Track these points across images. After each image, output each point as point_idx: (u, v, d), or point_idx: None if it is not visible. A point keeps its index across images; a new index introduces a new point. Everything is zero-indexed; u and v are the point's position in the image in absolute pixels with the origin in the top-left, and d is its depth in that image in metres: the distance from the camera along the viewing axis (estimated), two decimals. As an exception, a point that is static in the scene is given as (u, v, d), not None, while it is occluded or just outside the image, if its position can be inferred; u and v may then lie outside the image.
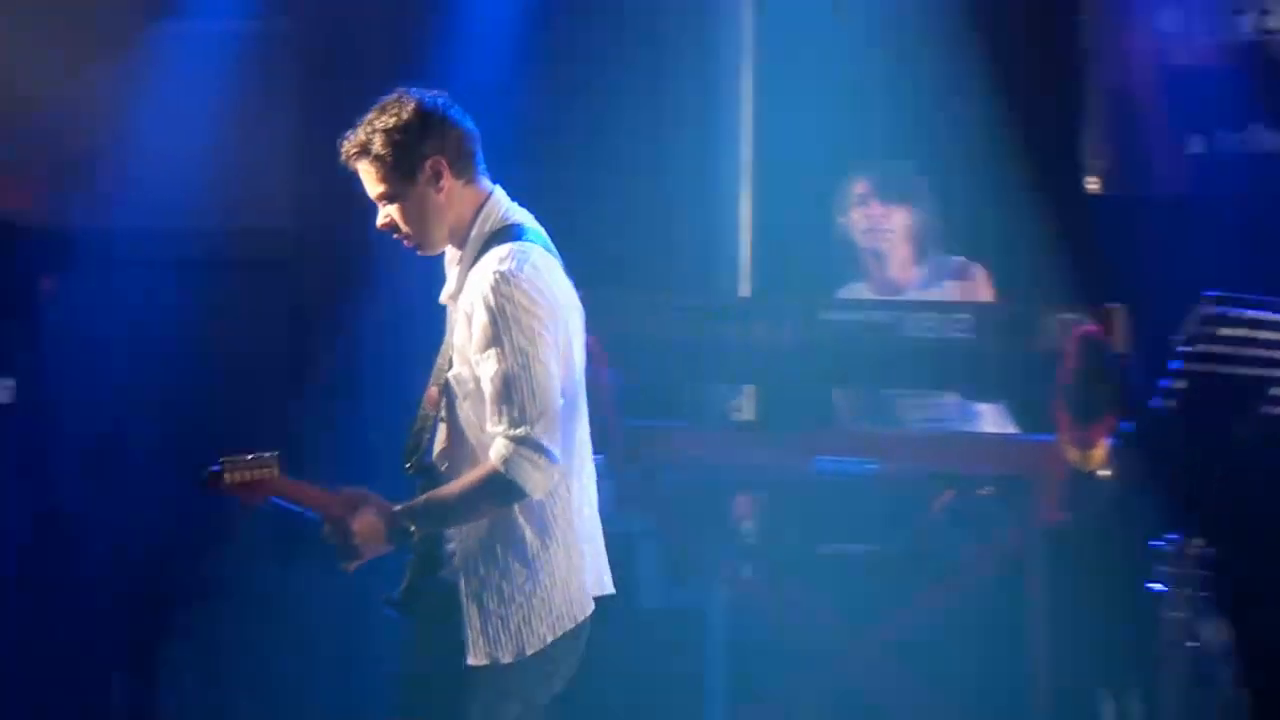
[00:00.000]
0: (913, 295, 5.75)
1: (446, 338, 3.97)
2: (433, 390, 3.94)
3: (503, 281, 3.79)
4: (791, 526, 5.67)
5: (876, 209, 5.80)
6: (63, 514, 6.13)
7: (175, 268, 6.66)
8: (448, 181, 3.91)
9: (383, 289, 6.64)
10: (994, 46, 6.26)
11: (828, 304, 5.50)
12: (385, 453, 6.38)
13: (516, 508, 3.84)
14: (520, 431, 3.74)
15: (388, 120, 3.88)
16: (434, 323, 6.45)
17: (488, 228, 3.94)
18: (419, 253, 3.99)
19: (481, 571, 3.86)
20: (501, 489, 3.77)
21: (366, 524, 3.78)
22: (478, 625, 3.84)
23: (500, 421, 3.76)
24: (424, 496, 3.86)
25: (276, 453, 3.75)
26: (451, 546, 3.90)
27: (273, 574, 6.72)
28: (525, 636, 3.86)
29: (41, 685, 6.06)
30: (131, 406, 6.43)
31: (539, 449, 3.75)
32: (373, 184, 3.91)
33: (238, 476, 3.70)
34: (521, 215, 4.02)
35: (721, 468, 5.44)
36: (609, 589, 4.08)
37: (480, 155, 4.00)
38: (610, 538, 5.49)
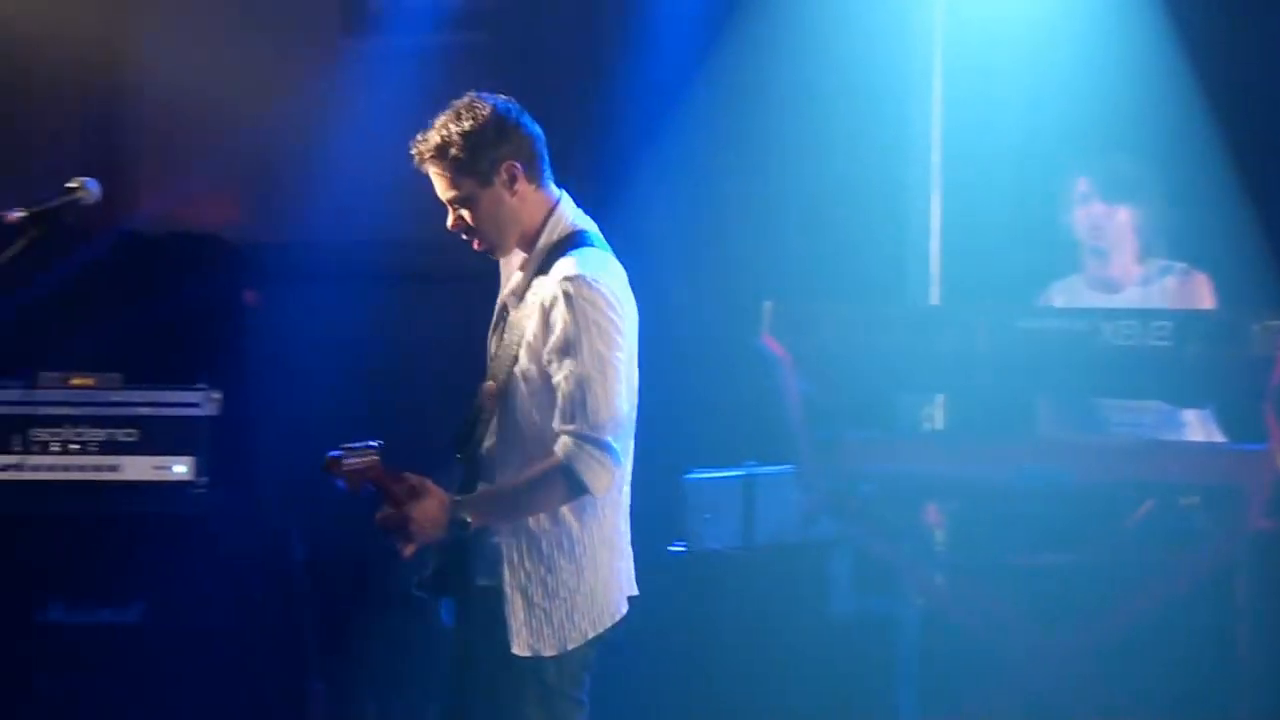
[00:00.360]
0: (1133, 292, 5.69)
1: (506, 335, 4.02)
2: (490, 384, 4.00)
3: (585, 286, 3.89)
4: (984, 536, 5.63)
5: (1098, 208, 5.74)
6: (266, 525, 6.27)
7: (373, 281, 6.80)
8: (521, 185, 4.00)
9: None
10: (1210, 44, 6.17)
11: (1021, 311, 5.45)
12: None
13: (568, 505, 3.95)
14: (592, 432, 3.86)
15: (465, 123, 3.98)
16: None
17: (558, 233, 4.03)
18: (490, 255, 4.08)
19: (528, 565, 3.96)
20: (566, 486, 3.87)
21: (426, 512, 3.87)
22: (522, 618, 3.95)
23: (571, 421, 3.87)
24: (483, 489, 3.97)
25: (380, 443, 3.90)
26: (496, 540, 3.97)
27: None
28: (568, 631, 3.97)
29: (241, 695, 6.19)
30: (331, 418, 6.57)
31: (607, 450, 3.87)
32: (447, 186, 4.00)
33: (350, 463, 3.88)
34: (587, 222, 4.13)
35: (913, 477, 5.42)
36: (635, 590, 4.15)
37: (548, 161, 4.09)
38: (801, 548, 5.54)
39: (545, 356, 3.92)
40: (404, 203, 6.97)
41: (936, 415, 6.06)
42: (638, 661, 6.02)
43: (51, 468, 6.09)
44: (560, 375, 3.89)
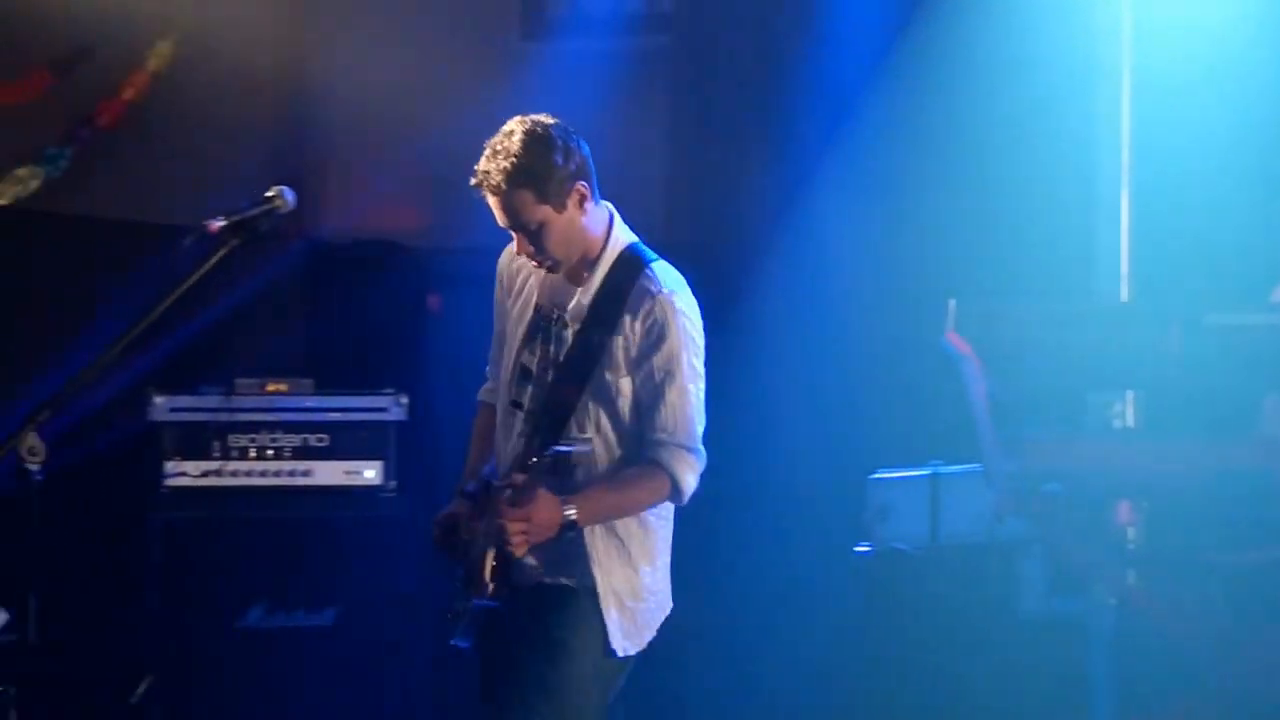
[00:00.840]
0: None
1: (573, 345, 4.09)
2: (570, 389, 4.08)
3: (684, 302, 4.08)
4: (1177, 533, 5.54)
5: None
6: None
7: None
8: (588, 204, 4.08)
9: (756, 304, 6.75)
10: None
11: (1213, 309, 5.36)
12: (748, 470, 6.58)
13: (654, 512, 4.13)
14: (689, 441, 4.08)
15: (535, 150, 4.00)
16: (808, 334, 6.54)
17: (621, 245, 4.15)
18: (550, 272, 4.12)
19: (619, 567, 4.10)
20: (665, 491, 4.07)
21: (542, 512, 3.95)
22: (615, 617, 4.09)
23: (672, 430, 4.06)
24: (586, 490, 4.04)
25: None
26: (576, 540, 4.06)
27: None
28: (645, 634, 4.16)
29: (428, 698, 6.30)
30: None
31: (701, 459, 4.11)
32: (521, 211, 4.02)
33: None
34: (632, 234, 4.23)
35: (1103, 475, 5.36)
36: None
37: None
38: (990, 548, 5.50)
39: (639, 366, 4.07)
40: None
41: (1127, 413, 5.98)
42: (822, 663, 6.04)
43: (249, 473, 6.23)
44: (660, 385, 4.06)
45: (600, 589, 4.10)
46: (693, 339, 4.10)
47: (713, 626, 6.59)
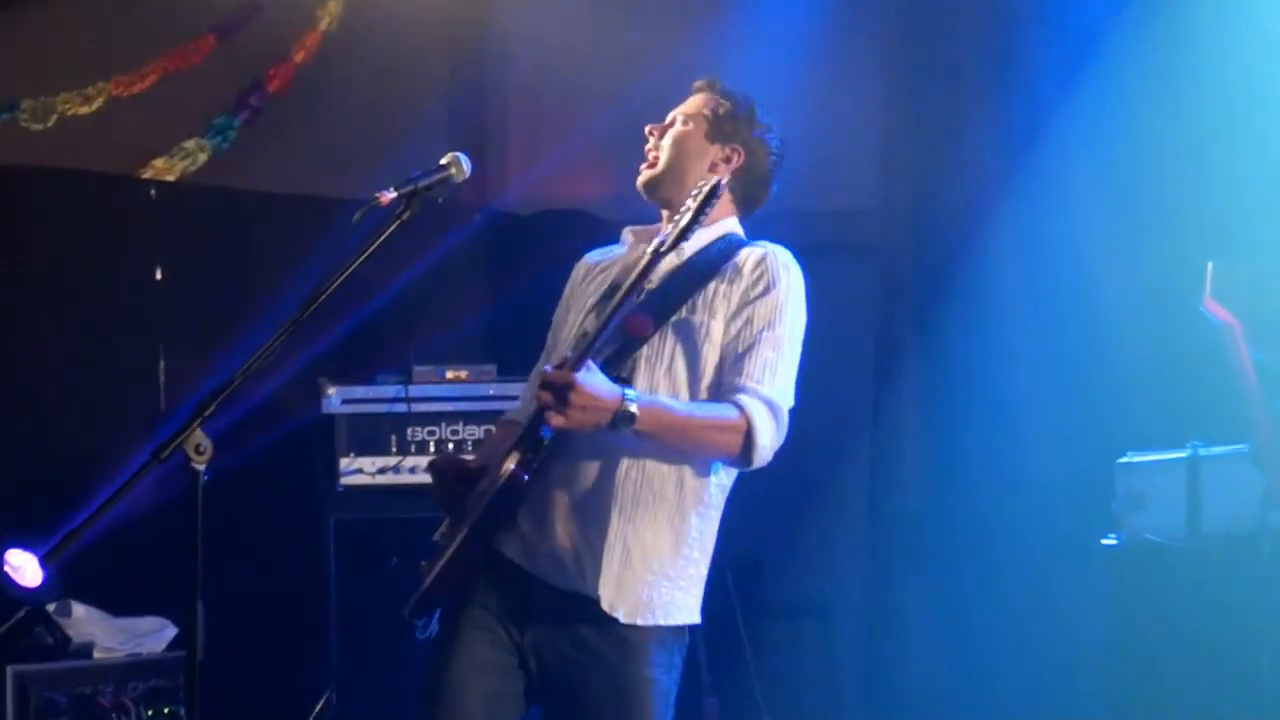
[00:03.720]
0: None
1: (662, 282, 4.00)
2: (644, 321, 3.95)
3: (792, 262, 4.04)
4: None
5: None
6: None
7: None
8: (728, 169, 4.14)
9: (984, 271, 6.62)
10: None
11: None
12: (976, 451, 6.48)
13: (709, 515, 3.98)
14: (778, 399, 3.89)
15: (743, 97, 4.21)
16: (1044, 302, 6.42)
17: (729, 229, 4.16)
18: (646, 172, 4.14)
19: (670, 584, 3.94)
20: (740, 443, 3.85)
21: (593, 384, 3.72)
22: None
23: (761, 381, 3.89)
24: (658, 398, 3.85)
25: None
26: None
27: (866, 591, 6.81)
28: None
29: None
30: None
31: (783, 426, 3.91)
32: (690, 106, 4.19)
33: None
34: None
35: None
36: None
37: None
38: (1258, 537, 5.30)
39: (738, 311, 3.98)
40: (796, 173, 7.03)
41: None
42: (1068, 665, 5.91)
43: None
44: (758, 334, 3.95)
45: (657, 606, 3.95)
46: (799, 302, 4.03)
47: (950, 625, 6.52)
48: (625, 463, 3.91)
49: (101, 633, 5.96)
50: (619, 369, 3.93)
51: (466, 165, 3.89)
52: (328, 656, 6.16)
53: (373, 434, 6.22)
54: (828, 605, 7.14)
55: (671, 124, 4.18)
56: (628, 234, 4.26)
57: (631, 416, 3.74)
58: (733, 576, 6.36)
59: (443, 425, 6.25)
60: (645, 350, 3.97)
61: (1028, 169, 6.54)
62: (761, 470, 3.94)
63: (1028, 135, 6.54)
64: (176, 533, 3.66)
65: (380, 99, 7.30)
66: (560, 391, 3.69)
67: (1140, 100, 6.23)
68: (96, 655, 5.88)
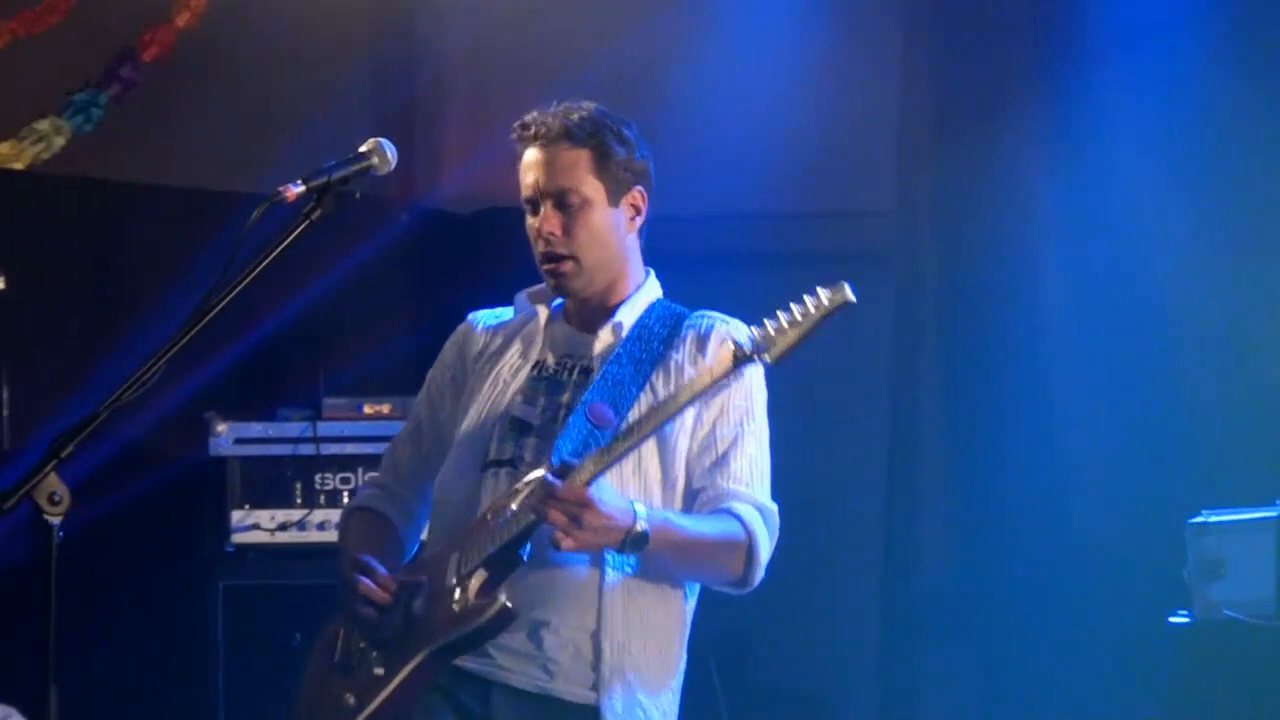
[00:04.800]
0: None
1: (585, 384, 4.09)
2: (605, 412, 4.04)
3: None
4: None
5: None
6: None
7: (738, 261, 6.84)
8: (638, 222, 4.21)
9: (1013, 289, 6.66)
10: None
11: None
12: (1013, 508, 6.49)
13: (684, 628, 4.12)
14: (770, 506, 4.07)
15: (609, 122, 4.16)
16: (1103, 336, 6.43)
17: (655, 295, 4.25)
18: (559, 284, 4.16)
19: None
20: (740, 557, 4.01)
21: (611, 505, 3.84)
22: None
23: (749, 485, 4.06)
24: (665, 513, 3.97)
25: None
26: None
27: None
28: None
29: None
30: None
31: (774, 536, 4.08)
32: (571, 173, 4.12)
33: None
34: None
35: None
36: None
37: None
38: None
39: (708, 403, 4.07)
40: (771, 171, 7.05)
41: None
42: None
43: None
44: (739, 428, 4.10)
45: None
46: (762, 395, 4.17)
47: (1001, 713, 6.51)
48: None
49: (-72, 726, 5.92)
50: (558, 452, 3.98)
51: (391, 154, 3.87)
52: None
53: (273, 482, 6.21)
54: (830, 696, 7.16)
55: (557, 204, 4.13)
56: (522, 298, 4.30)
57: (644, 538, 3.88)
58: (716, 661, 6.36)
59: (359, 471, 6.22)
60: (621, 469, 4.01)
61: (1076, 165, 6.63)
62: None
63: (1076, 124, 6.61)
64: (24, 600, 3.62)
65: (285, 72, 7.33)
66: (574, 511, 3.80)
67: (1227, 76, 6.26)
68: (-79, 756, 5.83)
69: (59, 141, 7.04)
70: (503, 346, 4.26)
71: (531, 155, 4.14)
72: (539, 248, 4.12)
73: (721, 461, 4.07)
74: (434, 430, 4.32)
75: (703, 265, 6.70)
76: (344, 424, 6.28)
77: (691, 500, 4.08)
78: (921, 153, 7.12)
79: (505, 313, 4.35)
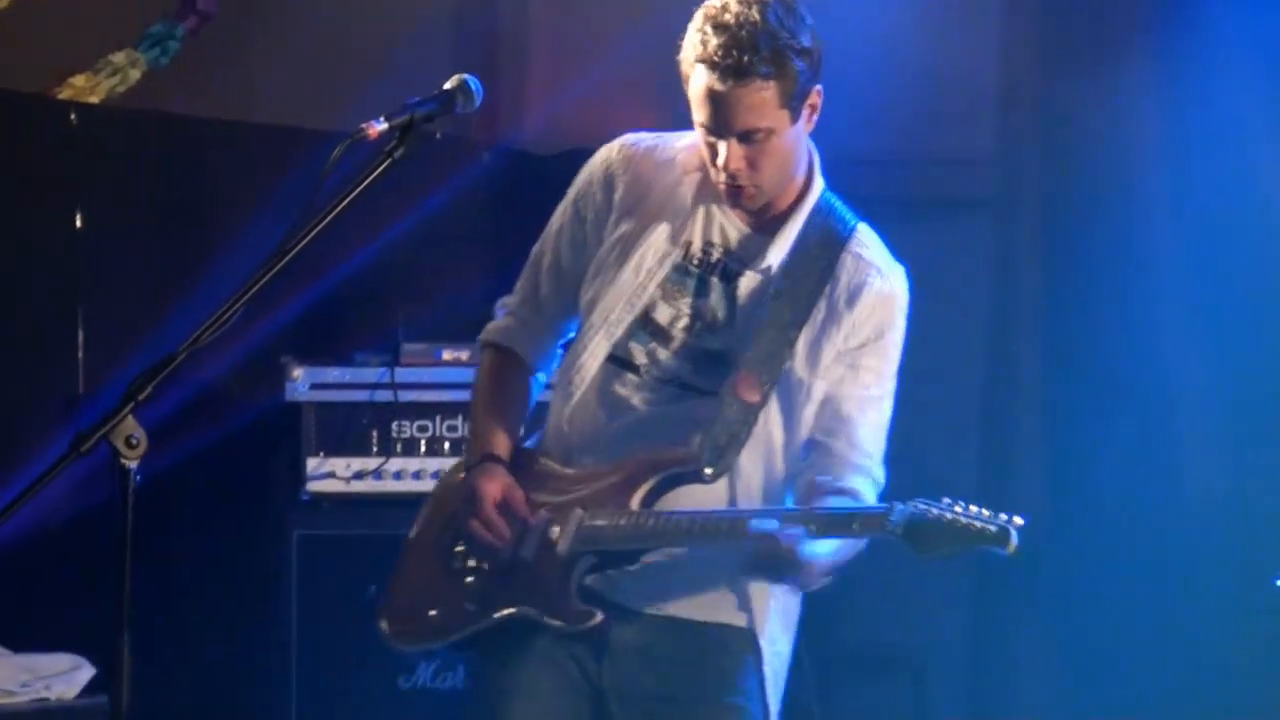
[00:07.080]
0: None
1: (762, 314, 4.07)
2: (750, 378, 4.03)
3: (907, 295, 4.17)
4: None
5: None
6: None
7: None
8: (814, 121, 4.13)
9: (1122, 241, 6.64)
10: None
11: None
12: (1114, 465, 6.46)
13: None
14: (882, 482, 4.13)
15: (794, 28, 4.01)
16: (1225, 313, 6.39)
17: (819, 192, 4.19)
18: (745, 205, 4.11)
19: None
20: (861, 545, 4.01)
21: (820, 560, 3.96)
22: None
23: (873, 457, 4.11)
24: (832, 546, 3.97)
25: None
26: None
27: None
28: None
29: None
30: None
31: None
32: (759, 109, 4.00)
33: None
34: None
35: None
36: None
37: None
38: None
39: (847, 365, 4.09)
40: (900, 113, 7.02)
41: None
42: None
43: (418, 474, 6.22)
44: (870, 394, 4.11)
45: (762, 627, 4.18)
46: (901, 340, 4.19)
47: (1072, 684, 6.56)
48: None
49: (-2, 672, 5.96)
50: (729, 447, 4.04)
51: (477, 91, 3.88)
52: (285, 706, 6.15)
53: (348, 429, 6.24)
54: (918, 657, 7.16)
55: (744, 139, 4.05)
56: (682, 156, 4.23)
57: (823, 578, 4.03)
58: (800, 618, 6.36)
59: (437, 420, 6.25)
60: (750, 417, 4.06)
61: (1199, 114, 6.57)
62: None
63: (1201, 69, 6.54)
64: (98, 548, 3.64)
65: (367, 6, 7.32)
66: (781, 565, 3.95)
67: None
68: (-9, 701, 5.89)
69: (134, 75, 7.05)
70: (655, 212, 4.21)
71: (711, 85, 4.00)
72: (719, 176, 4.06)
73: (846, 429, 4.08)
74: (575, 267, 4.32)
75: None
76: (422, 370, 6.28)
77: (805, 451, 4.09)
78: (1026, 95, 7.10)
79: (666, 147, 4.28)
